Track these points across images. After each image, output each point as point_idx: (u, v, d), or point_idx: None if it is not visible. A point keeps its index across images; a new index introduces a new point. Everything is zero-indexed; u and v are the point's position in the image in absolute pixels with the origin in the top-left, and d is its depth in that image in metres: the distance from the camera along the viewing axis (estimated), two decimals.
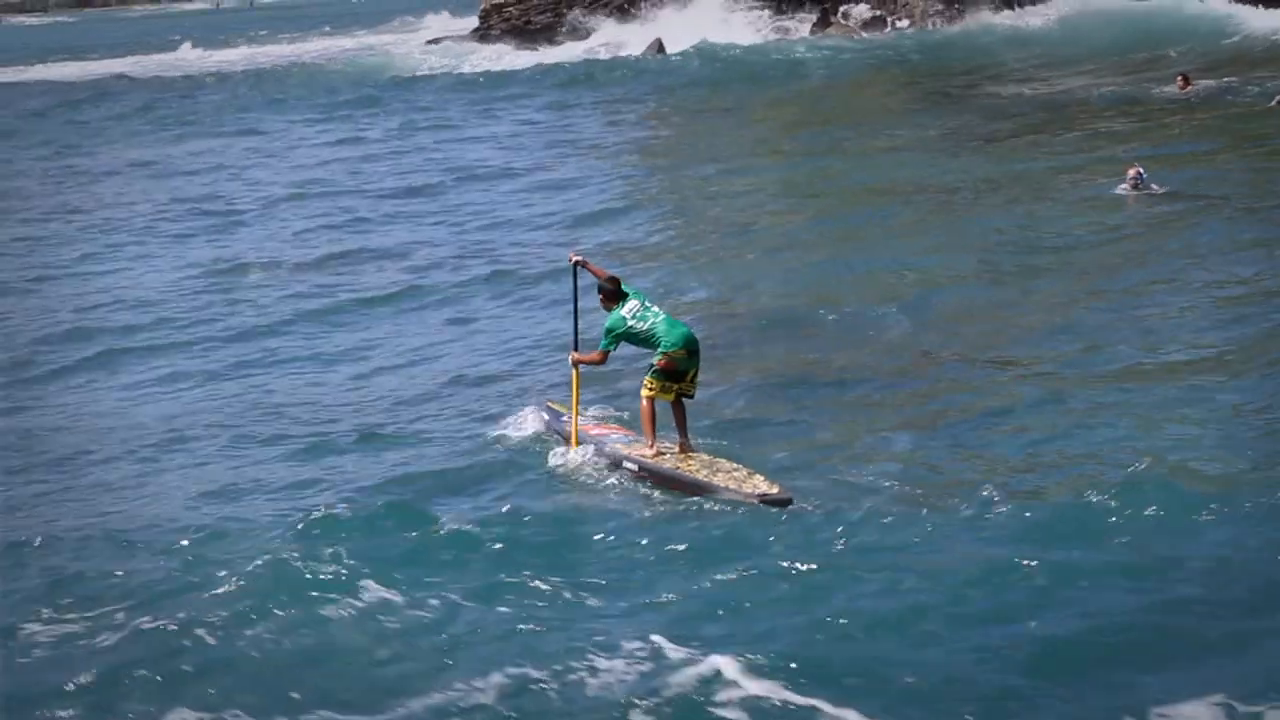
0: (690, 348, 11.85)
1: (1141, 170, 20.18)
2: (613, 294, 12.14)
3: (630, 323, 11.92)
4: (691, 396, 12.01)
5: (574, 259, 12.86)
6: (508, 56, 53.18)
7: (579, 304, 12.70)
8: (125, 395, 15.34)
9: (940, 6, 49.02)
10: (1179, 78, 30.46)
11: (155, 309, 18.99)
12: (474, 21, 66.23)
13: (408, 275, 19.99)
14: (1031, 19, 45.45)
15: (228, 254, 22.36)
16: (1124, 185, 20.21)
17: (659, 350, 11.81)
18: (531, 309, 17.66)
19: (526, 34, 57.72)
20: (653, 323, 11.88)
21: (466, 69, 50.79)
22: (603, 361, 12.20)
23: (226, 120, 41.53)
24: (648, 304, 12.08)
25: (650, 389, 11.88)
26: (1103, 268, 16.70)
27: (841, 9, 51.21)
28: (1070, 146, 25.61)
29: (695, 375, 11.98)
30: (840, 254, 19.24)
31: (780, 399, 13.43)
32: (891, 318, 15.45)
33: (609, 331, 11.99)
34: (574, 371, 12.40)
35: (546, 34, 56.50)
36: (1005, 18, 46.71)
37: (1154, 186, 20.02)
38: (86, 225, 25.92)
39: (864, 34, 49.16)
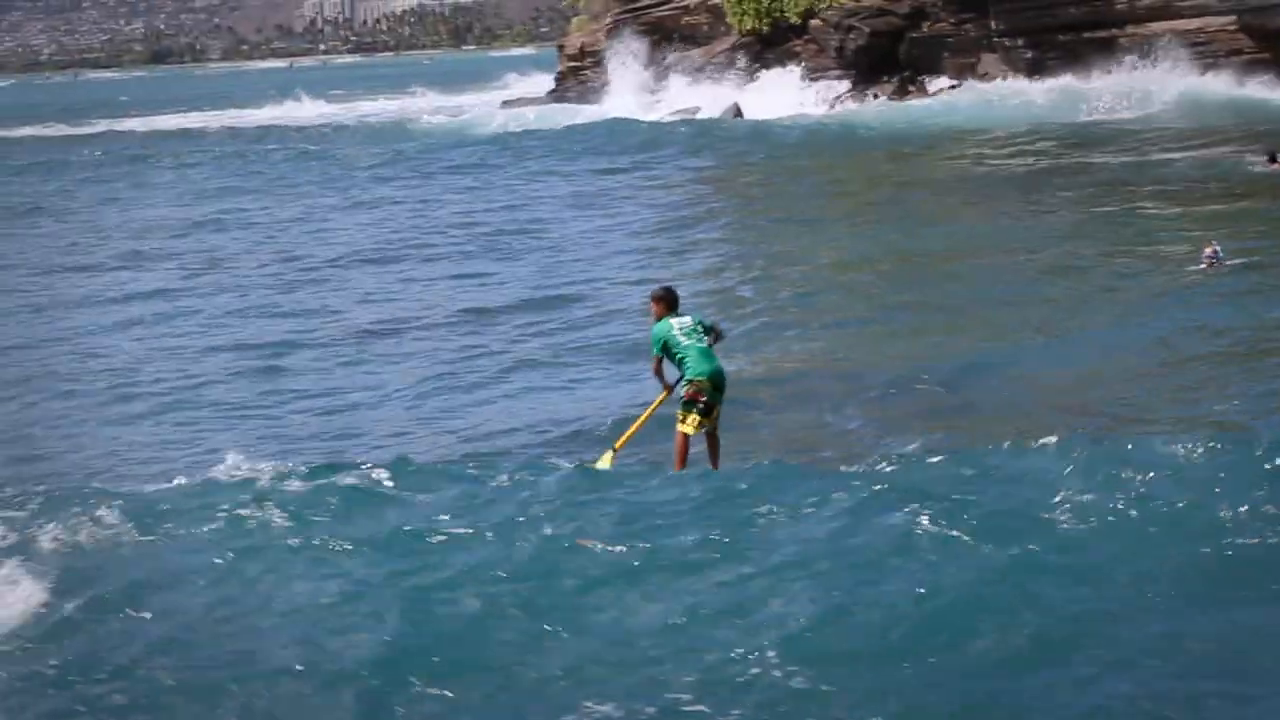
0: (716, 382, 12.41)
1: (1218, 248, 20.25)
2: (664, 300, 12.74)
3: (675, 334, 12.48)
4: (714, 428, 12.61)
5: None
6: (582, 116, 54.09)
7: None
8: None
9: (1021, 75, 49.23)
10: (1267, 156, 30.46)
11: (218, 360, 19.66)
12: (551, 84, 67.62)
13: (475, 332, 20.53)
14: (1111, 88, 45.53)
15: (286, 307, 23.27)
16: (1201, 263, 20.30)
17: (685, 378, 12.41)
18: (587, 370, 18.13)
19: (600, 95, 58.78)
20: (689, 345, 12.42)
21: (544, 127, 51.76)
22: (657, 369, 12.74)
23: (302, 177, 42.69)
24: (700, 329, 12.58)
25: (681, 421, 12.45)
26: (1162, 340, 16.75)
27: (920, 78, 51.68)
28: (1148, 219, 25.68)
29: (718, 412, 12.56)
30: (910, 318, 19.52)
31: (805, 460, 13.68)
32: (943, 381, 15.70)
33: (654, 337, 12.65)
34: (663, 393, 12.85)
35: (620, 97, 57.44)
36: (1083, 81, 46.74)
37: (1228, 263, 20.09)
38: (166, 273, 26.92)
39: (943, 94, 49.63)
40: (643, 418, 13.00)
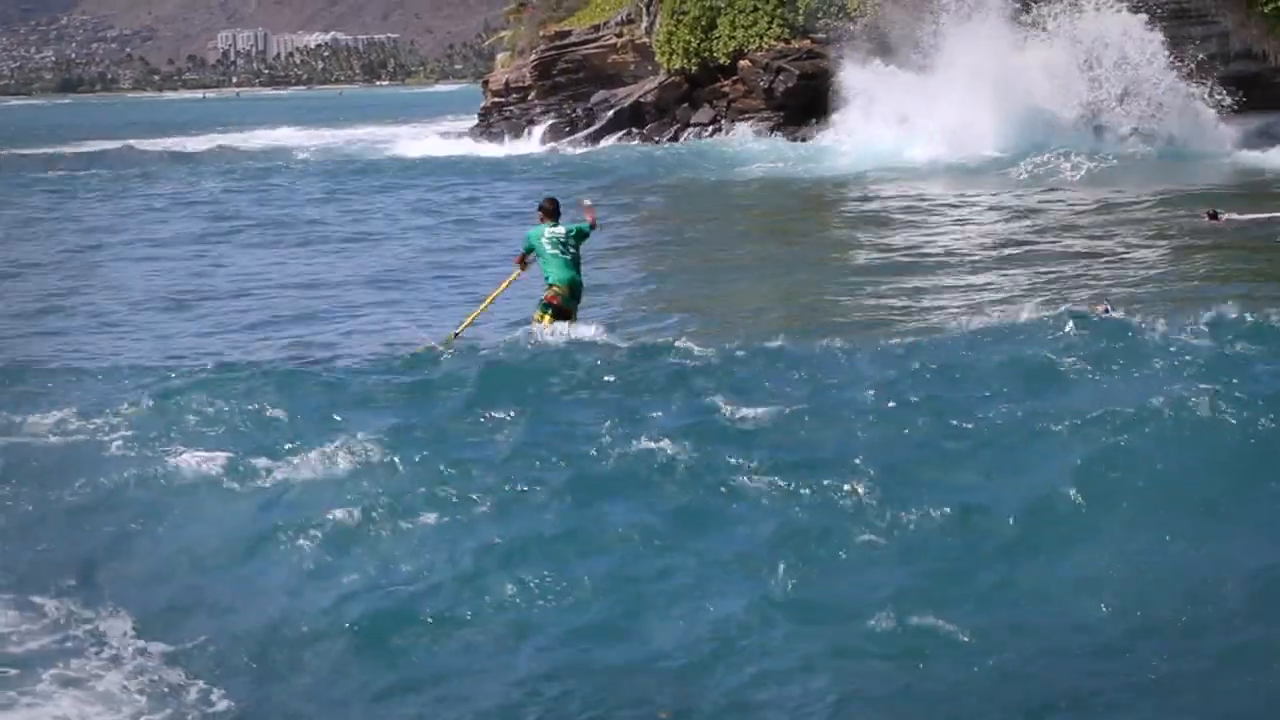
0: (572, 288, 15.00)
1: (1110, 307, 20.88)
2: (547, 212, 15.37)
3: (543, 241, 15.08)
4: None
5: (582, 203, 16.10)
6: (485, 151, 57.97)
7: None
8: None
9: None
10: (1206, 212, 31.20)
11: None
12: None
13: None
14: None
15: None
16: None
17: (547, 282, 14.97)
18: None
19: (521, 131, 60.82)
20: (553, 254, 14.98)
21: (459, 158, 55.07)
22: (520, 264, 15.42)
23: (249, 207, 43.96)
24: (570, 239, 14.98)
25: (538, 319, 15.00)
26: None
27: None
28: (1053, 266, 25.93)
29: (574, 315, 15.05)
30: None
31: None
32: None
33: (527, 237, 15.36)
34: (516, 270, 15.60)
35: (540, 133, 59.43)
36: None
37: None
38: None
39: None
40: (487, 300, 15.62)
